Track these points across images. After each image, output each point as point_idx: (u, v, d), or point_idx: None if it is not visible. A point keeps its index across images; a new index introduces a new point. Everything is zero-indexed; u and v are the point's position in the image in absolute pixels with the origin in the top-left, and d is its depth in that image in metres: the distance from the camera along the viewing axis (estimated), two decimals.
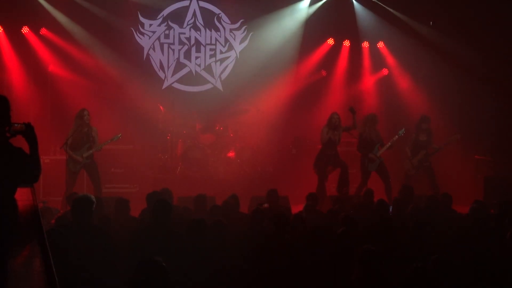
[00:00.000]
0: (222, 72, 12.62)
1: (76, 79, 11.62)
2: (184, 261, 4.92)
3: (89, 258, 4.84)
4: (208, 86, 12.59)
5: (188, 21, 12.37)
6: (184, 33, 12.40)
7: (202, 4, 12.43)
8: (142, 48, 12.22)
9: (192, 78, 12.48)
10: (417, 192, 8.82)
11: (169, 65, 12.38)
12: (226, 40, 12.58)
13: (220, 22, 12.52)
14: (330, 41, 12.84)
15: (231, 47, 12.61)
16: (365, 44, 13.03)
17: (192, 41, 12.43)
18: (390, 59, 13.01)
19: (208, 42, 12.51)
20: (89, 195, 5.54)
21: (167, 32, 12.31)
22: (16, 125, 3.74)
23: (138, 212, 6.90)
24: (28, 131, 3.78)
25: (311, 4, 12.59)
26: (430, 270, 4.62)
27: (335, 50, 12.94)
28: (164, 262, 4.32)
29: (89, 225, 5.29)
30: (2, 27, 11.34)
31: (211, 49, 12.54)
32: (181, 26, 12.35)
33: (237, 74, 12.54)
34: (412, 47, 12.62)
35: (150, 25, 12.23)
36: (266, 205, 7.37)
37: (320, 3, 12.62)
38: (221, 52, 12.59)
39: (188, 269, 4.86)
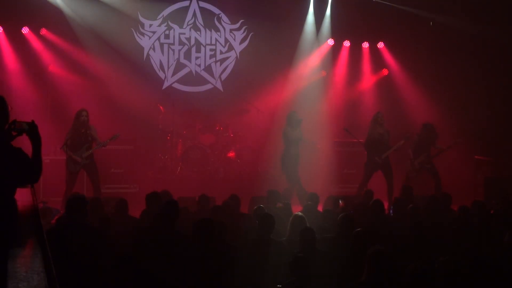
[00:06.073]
0: (222, 73, 12.62)
1: (76, 79, 11.61)
2: (190, 261, 4.91)
3: (84, 258, 4.84)
4: (208, 86, 12.58)
5: (188, 22, 12.36)
6: (184, 34, 12.39)
7: (202, 4, 12.42)
8: (142, 48, 12.22)
9: (192, 78, 12.47)
10: (417, 192, 8.81)
11: (169, 65, 12.38)
12: (226, 41, 12.57)
13: (220, 23, 12.51)
14: (330, 41, 12.84)
15: (231, 48, 12.61)
16: (365, 44, 13.02)
17: (192, 42, 12.42)
18: (390, 59, 13.00)
19: (208, 42, 12.51)
20: (82, 195, 5.53)
21: (167, 32, 12.30)
22: (20, 123, 3.75)
23: (138, 212, 6.89)
24: (32, 130, 3.78)
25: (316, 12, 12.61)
26: (436, 272, 4.58)
27: (335, 50, 12.93)
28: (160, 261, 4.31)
29: (84, 225, 5.27)
30: (2, 27, 11.34)
31: (211, 50, 12.54)
32: (181, 26, 12.34)
33: (237, 74, 12.54)
34: (412, 47, 12.61)
35: (150, 25, 12.22)
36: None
37: (327, 10, 12.62)
38: (221, 53, 12.59)
39: (195, 269, 4.85)
